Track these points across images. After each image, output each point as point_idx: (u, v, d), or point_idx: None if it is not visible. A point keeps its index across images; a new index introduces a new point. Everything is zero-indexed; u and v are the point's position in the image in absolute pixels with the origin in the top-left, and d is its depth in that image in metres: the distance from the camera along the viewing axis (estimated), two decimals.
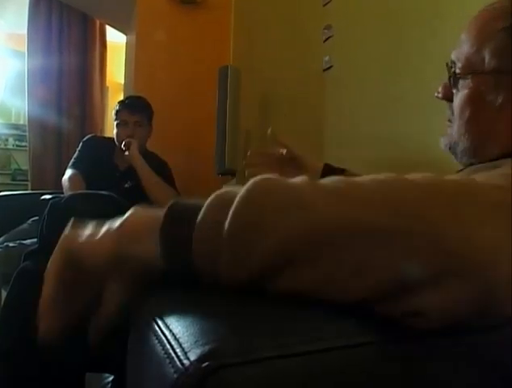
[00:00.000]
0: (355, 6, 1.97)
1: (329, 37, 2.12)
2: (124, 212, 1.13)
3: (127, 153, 2.40)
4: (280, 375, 0.36)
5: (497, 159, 0.77)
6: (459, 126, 0.86)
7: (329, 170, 1.27)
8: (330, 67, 2.11)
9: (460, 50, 0.86)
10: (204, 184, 3.09)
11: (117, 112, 2.52)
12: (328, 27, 2.12)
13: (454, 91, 0.88)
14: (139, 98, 2.61)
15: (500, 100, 0.80)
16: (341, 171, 1.27)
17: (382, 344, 0.41)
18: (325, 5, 2.15)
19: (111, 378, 1.22)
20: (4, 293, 2.12)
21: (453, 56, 0.88)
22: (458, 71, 0.86)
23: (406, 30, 1.64)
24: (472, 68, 0.84)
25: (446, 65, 0.89)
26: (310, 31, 2.29)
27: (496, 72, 0.80)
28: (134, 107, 2.50)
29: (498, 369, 0.43)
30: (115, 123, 2.52)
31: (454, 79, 0.87)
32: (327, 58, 2.12)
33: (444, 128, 0.92)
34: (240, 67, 2.74)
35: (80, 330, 1.03)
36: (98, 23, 4.52)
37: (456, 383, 0.41)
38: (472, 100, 0.83)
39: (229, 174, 2.72)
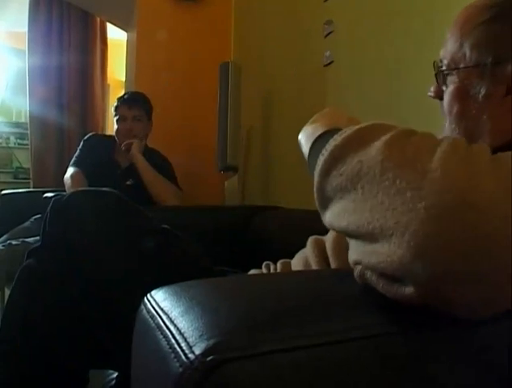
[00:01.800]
0: (356, 1, 1.96)
1: (329, 32, 2.11)
2: (126, 209, 1.14)
3: (130, 153, 2.41)
4: (284, 368, 0.36)
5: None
6: (450, 122, 0.88)
7: None
8: (331, 62, 2.10)
9: (446, 48, 0.88)
10: (206, 181, 3.09)
11: (116, 108, 2.53)
12: (328, 23, 2.11)
13: (444, 89, 0.89)
14: (138, 93, 2.63)
15: (483, 92, 0.82)
16: None
17: (383, 339, 0.41)
18: (325, 0, 2.15)
19: (114, 375, 1.22)
20: (7, 291, 2.13)
21: (440, 55, 0.90)
22: (444, 68, 0.88)
23: (407, 25, 1.64)
24: (455, 64, 0.85)
25: (434, 63, 0.91)
26: (311, 26, 2.29)
27: (477, 65, 0.82)
28: (133, 101, 2.51)
29: (495, 369, 0.43)
30: (115, 119, 2.53)
31: (442, 76, 0.88)
32: (328, 53, 2.11)
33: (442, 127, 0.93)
34: (241, 63, 2.74)
35: (84, 328, 1.04)
36: (98, 20, 4.52)
37: (453, 383, 0.41)
38: (458, 95, 0.85)
39: (231, 170, 2.72)
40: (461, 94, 0.85)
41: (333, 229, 0.55)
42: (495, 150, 0.52)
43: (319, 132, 0.67)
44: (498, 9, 0.80)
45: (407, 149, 0.46)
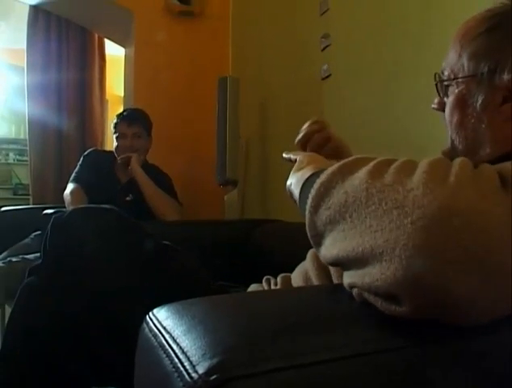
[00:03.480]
0: (352, 14, 1.98)
1: (326, 46, 2.13)
2: (127, 226, 1.14)
3: (130, 167, 2.41)
4: (288, 386, 0.36)
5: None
6: (451, 132, 0.88)
7: None
8: (329, 76, 2.12)
9: (446, 60, 0.89)
10: (206, 194, 3.09)
11: (115, 125, 2.53)
12: (325, 36, 2.13)
13: (445, 100, 0.90)
14: (136, 110, 2.62)
15: (480, 101, 0.82)
16: None
17: (384, 355, 0.41)
18: (322, 14, 2.17)
19: None
20: (7, 308, 2.12)
21: (442, 67, 0.91)
22: (444, 79, 0.88)
23: (404, 37, 1.65)
24: (454, 74, 0.87)
25: (435, 75, 0.92)
26: (308, 40, 2.30)
27: (474, 75, 0.82)
28: (132, 119, 2.51)
29: (496, 378, 0.43)
30: (115, 136, 2.53)
31: (444, 87, 0.89)
32: (325, 67, 2.13)
33: (443, 133, 0.94)
34: (239, 77, 2.75)
35: (85, 346, 1.04)
36: (96, 36, 4.54)
37: None
38: (457, 105, 0.86)
39: (231, 184, 2.72)
40: (460, 104, 0.85)
41: (327, 262, 0.56)
42: (496, 160, 0.53)
43: (307, 176, 0.71)
44: (496, 20, 0.81)
45: (388, 175, 0.48)
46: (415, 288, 0.42)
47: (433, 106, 0.95)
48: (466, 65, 0.84)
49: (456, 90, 0.86)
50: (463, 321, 0.43)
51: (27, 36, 4.30)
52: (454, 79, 0.86)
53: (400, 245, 0.42)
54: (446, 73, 0.89)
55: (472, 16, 0.87)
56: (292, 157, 0.92)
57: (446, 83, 0.89)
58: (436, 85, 0.92)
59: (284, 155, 0.99)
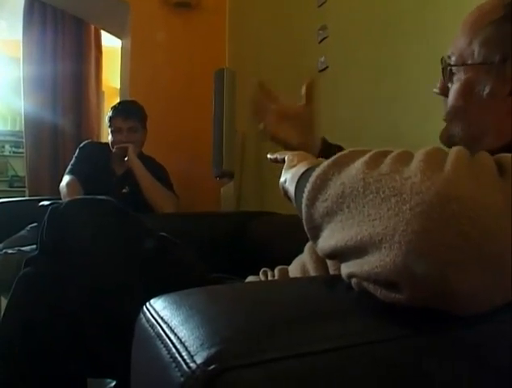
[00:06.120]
0: (350, 6, 1.97)
1: (324, 38, 2.12)
2: (123, 217, 1.14)
3: (126, 158, 2.40)
4: (286, 376, 0.36)
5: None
6: (454, 119, 0.88)
7: (327, 147, 1.28)
8: (326, 68, 2.11)
9: (455, 44, 0.88)
10: (203, 187, 3.09)
11: (110, 119, 2.51)
12: (323, 28, 2.12)
13: (449, 85, 0.89)
14: (131, 102, 2.60)
15: (487, 90, 0.82)
16: (338, 148, 1.28)
17: (381, 345, 0.41)
18: (319, 6, 2.16)
19: (113, 383, 1.21)
20: (3, 300, 2.12)
21: (449, 51, 0.90)
22: (452, 63, 0.88)
23: (401, 30, 1.64)
24: (463, 60, 0.86)
25: (442, 59, 0.91)
26: (305, 32, 2.29)
27: (484, 62, 0.82)
28: (127, 113, 2.48)
29: (495, 368, 0.43)
30: (110, 130, 2.51)
31: (449, 72, 0.89)
32: (322, 59, 2.12)
33: (441, 125, 0.93)
34: (235, 69, 2.74)
35: (81, 337, 1.04)
36: (92, 27, 4.52)
37: (452, 385, 0.41)
38: (463, 92, 0.86)
39: (227, 176, 2.72)
40: (466, 91, 0.85)
41: (325, 255, 0.56)
42: (497, 151, 0.53)
43: (302, 171, 0.70)
44: (509, 9, 0.81)
45: (385, 165, 0.48)
46: (414, 275, 0.42)
47: (435, 90, 0.95)
48: (477, 51, 0.83)
49: (464, 77, 0.85)
50: (462, 309, 0.43)
51: (22, 28, 4.29)
52: (462, 65, 0.86)
53: (400, 231, 0.42)
54: (453, 58, 0.88)
55: (482, 3, 0.86)
56: (279, 157, 0.91)
57: (453, 69, 0.88)
58: (442, 69, 0.91)
59: (269, 156, 0.99)
